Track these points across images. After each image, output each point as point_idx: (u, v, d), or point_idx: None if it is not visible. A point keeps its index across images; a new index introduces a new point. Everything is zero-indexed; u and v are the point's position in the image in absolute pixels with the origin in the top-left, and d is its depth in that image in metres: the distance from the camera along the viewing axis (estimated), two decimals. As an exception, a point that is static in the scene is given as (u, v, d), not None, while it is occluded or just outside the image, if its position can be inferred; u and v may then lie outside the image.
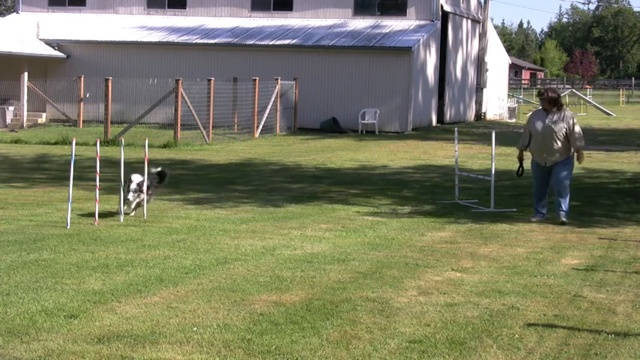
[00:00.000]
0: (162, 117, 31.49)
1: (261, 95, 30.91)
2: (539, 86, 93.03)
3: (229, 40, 34.93)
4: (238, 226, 11.67)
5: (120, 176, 12.22)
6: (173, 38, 35.52)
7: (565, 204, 12.40)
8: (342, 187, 16.66)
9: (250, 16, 37.28)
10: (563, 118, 12.40)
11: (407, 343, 6.34)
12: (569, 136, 12.35)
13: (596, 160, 22.67)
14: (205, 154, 23.84)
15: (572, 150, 12.47)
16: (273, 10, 37.36)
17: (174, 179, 17.94)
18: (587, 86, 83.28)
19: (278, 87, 31.53)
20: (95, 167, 11.66)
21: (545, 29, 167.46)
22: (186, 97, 27.20)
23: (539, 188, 12.69)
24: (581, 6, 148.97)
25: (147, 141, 13.29)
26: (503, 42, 67.51)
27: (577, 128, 12.37)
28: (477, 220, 12.44)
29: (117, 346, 6.12)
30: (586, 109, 51.25)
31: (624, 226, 12.18)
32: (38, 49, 35.08)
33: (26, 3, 39.50)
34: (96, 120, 32.40)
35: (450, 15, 37.91)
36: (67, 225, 11.21)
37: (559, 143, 12.35)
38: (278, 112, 31.78)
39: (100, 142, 12.77)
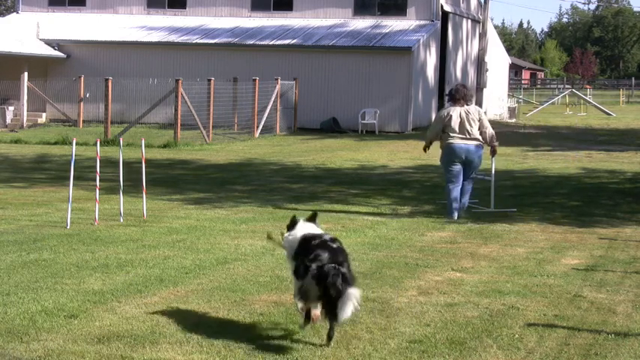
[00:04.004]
0: (163, 117, 31.50)
1: (261, 95, 30.91)
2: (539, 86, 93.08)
3: (229, 40, 34.93)
4: (238, 226, 11.67)
5: (119, 176, 12.23)
6: (173, 38, 35.53)
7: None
8: (342, 187, 16.66)
9: (250, 16, 37.28)
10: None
11: (407, 343, 6.33)
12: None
13: (596, 160, 22.68)
14: (205, 154, 23.84)
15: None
16: (273, 10, 37.36)
17: (175, 179, 17.96)
18: (587, 86, 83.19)
19: (278, 87, 31.53)
20: (95, 167, 11.66)
21: (545, 29, 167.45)
22: (186, 97, 27.21)
23: None
24: (581, 6, 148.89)
25: (143, 141, 13.30)
26: (503, 42, 67.51)
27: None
28: (477, 220, 12.43)
29: (117, 346, 6.12)
30: (586, 109, 51.24)
31: (624, 226, 12.17)
32: (38, 49, 35.08)
33: (26, 3, 39.50)
34: (96, 120, 32.40)
35: (450, 15, 37.91)
36: (67, 225, 11.20)
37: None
38: (278, 112, 31.78)
39: (100, 142, 12.77)
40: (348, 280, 5.87)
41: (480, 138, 12.64)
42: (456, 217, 12.53)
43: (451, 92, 12.93)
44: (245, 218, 12.45)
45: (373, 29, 35.18)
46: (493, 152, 13.17)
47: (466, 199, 12.93)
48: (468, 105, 12.73)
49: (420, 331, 6.60)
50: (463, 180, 12.75)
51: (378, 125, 32.61)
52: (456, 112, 12.62)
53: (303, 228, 6.37)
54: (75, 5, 39.09)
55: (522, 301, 7.56)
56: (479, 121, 12.62)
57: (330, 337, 6.10)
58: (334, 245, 6.09)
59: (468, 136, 12.56)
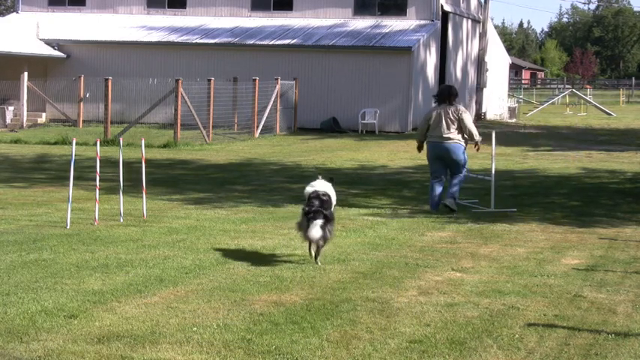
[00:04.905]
0: (163, 117, 31.49)
1: (261, 95, 30.91)
2: (538, 86, 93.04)
3: (229, 40, 34.92)
4: (238, 226, 11.67)
5: (119, 176, 12.23)
6: (173, 38, 35.52)
7: None
8: (342, 187, 16.64)
9: (250, 16, 37.28)
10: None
11: (407, 343, 6.33)
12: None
13: (596, 160, 22.68)
14: (205, 154, 23.83)
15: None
16: (273, 9, 37.36)
17: (175, 179, 17.95)
18: (588, 86, 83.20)
19: (278, 87, 31.53)
20: (95, 167, 11.66)
21: (546, 29, 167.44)
22: (186, 97, 27.20)
23: None
24: (581, 6, 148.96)
25: (143, 141, 13.31)
26: (504, 42, 67.46)
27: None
28: (477, 220, 12.43)
29: (117, 346, 6.12)
30: (586, 109, 51.24)
31: (624, 226, 12.17)
32: (38, 49, 35.07)
33: (26, 3, 39.49)
34: (96, 120, 32.39)
35: (450, 15, 37.90)
36: (67, 225, 11.20)
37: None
38: (278, 112, 31.78)
39: (100, 142, 12.77)
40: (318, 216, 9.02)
41: (457, 137, 13.14)
42: (435, 210, 13.16)
43: (437, 93, 13.71)
44: (245, 218, 12.45)
45: (373, 29, 35.17)
46: (476, 149, 13.72)
47: (455, 189, 13.26)
48: (452, 105, 13.21)
49: (420, 331, 6.60)
50: (450, 175, 13.33)
51: (378, 125, 32.61)
52: (436, 111, 13.25)
53: (316, 184, 9.94)
54: (75, 5, 39.09)
55: (522, 301, 7.56)
56: (457, 120, 13.07)
57: (315, 256, 9.09)
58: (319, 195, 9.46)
59: (443, 134, 13.12)
